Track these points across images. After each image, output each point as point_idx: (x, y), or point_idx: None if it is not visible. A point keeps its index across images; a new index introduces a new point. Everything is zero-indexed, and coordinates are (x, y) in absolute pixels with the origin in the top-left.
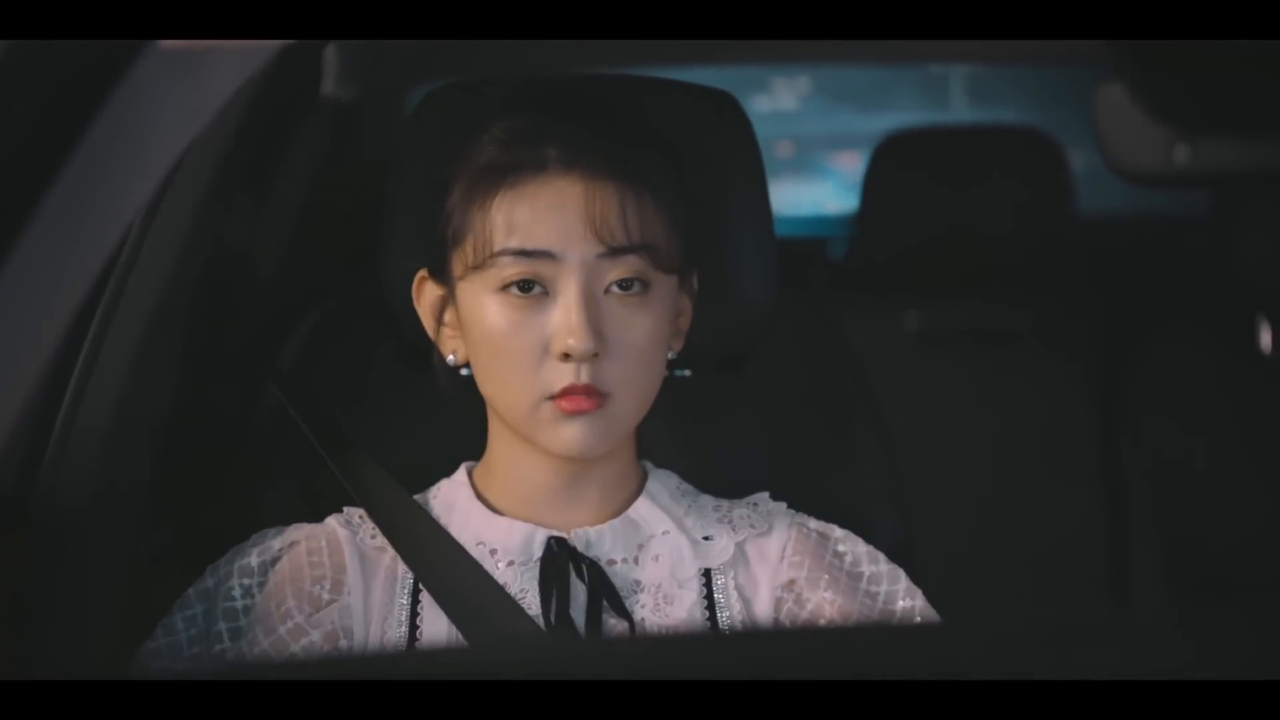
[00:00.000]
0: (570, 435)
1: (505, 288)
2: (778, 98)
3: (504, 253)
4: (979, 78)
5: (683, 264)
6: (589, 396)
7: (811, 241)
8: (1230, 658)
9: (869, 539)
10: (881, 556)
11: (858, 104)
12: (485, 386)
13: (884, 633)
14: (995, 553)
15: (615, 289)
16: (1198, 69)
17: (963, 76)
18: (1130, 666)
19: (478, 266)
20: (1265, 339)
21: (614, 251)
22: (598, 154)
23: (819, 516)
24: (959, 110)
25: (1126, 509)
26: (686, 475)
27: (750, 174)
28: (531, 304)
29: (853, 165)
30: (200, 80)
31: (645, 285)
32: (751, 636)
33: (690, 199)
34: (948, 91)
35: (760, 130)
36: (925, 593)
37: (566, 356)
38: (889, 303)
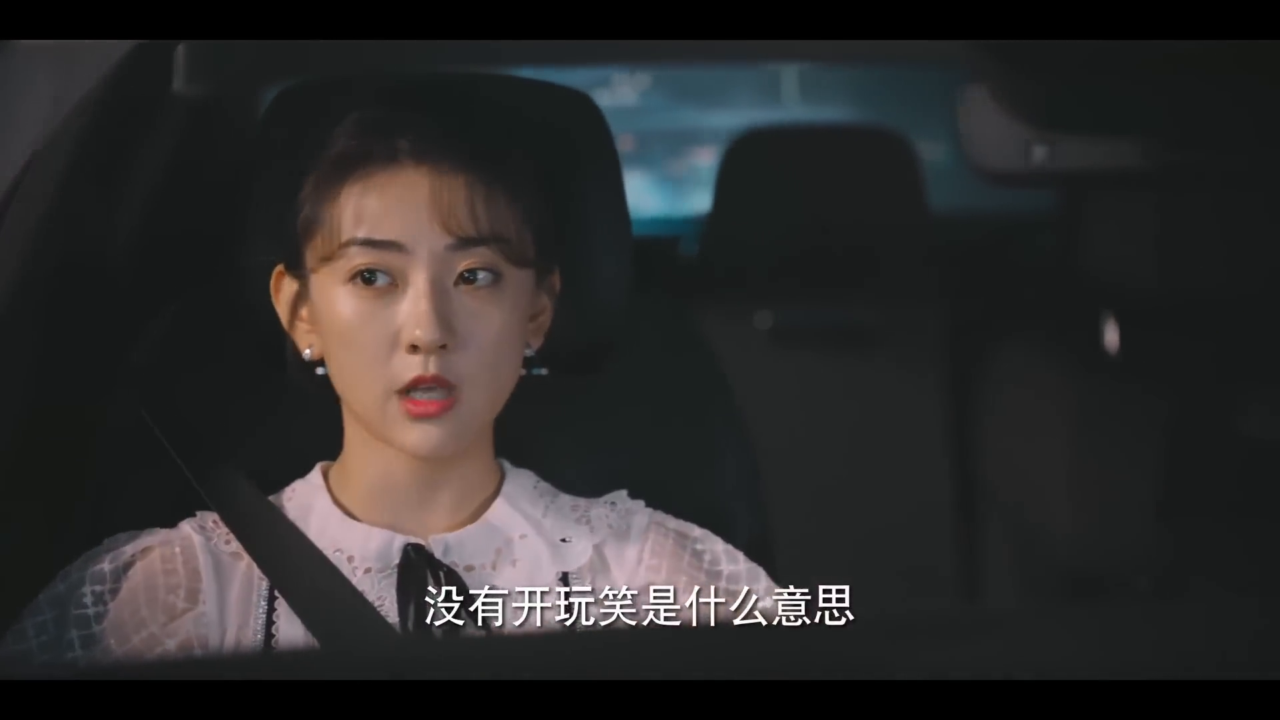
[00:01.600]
0: (420, 434)
1: (354, 279)
2: (619, 94)
3: (352, 243)
4: (810, 74)
5: (538, 259)
6: (437, 393)
7: (663, 240)
8: (1087, 658)
9: (728, 536)
10: (740, 555)
11: (699, 101)
12: (338, 381)
13: (739, 632)
14: (850, 549)
15: (465, 281)
16: (1055, 71)
17: (794, 73)
18: (987, 665)
19: (328, 258)
20: (1111, 338)
21: (463, 243)
22: (449, 146)
23: (678, 514)
24: (791, 108)
25: (976, 505)
26: (545, 474)
27: (606, 172)
28: (381, 295)
29: (698, 162)
30: (54, 78)
31: (496, 277)
32: (608, 636)
33: (547, 195)
34: (779, 88)
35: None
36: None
37: (415, 348)
38: (741, 301)
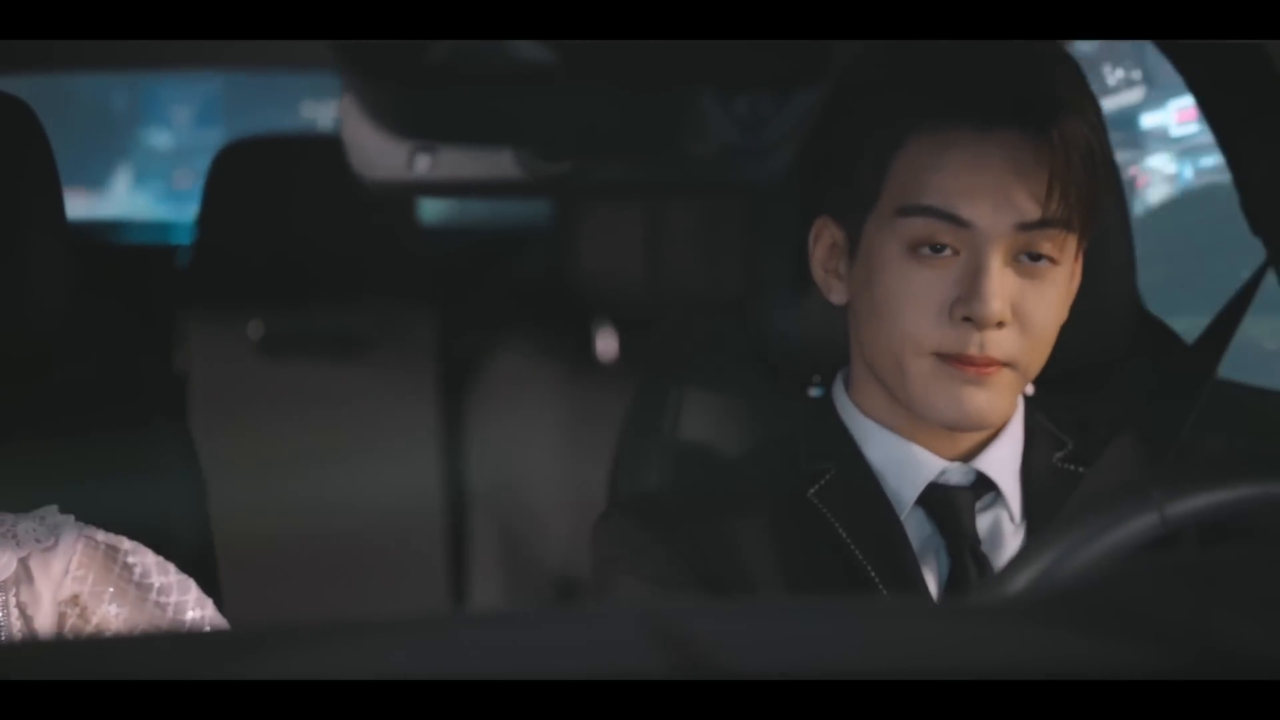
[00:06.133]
0: None
1: None
2: (151, 109)
3: None
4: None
5: None
6: None
7: (157, 249)
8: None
9: (166, 550)
10: (172, 567)
11: (221, 112)
12: None
13: (162, 640)
14: (327, 555)
15: None
16: (427, 80)
17: (309, 86)
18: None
19: None
20: (601, 345)
21: None
22: None
23: (113, 529)
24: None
25: (466, 512)
26: None
27: (38, 179)
28: None
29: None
30: None
31: None
32: (26, 645)
33: None
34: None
35: (125, 136)
36: (242, 601)
37: None
38: (233, 311)
